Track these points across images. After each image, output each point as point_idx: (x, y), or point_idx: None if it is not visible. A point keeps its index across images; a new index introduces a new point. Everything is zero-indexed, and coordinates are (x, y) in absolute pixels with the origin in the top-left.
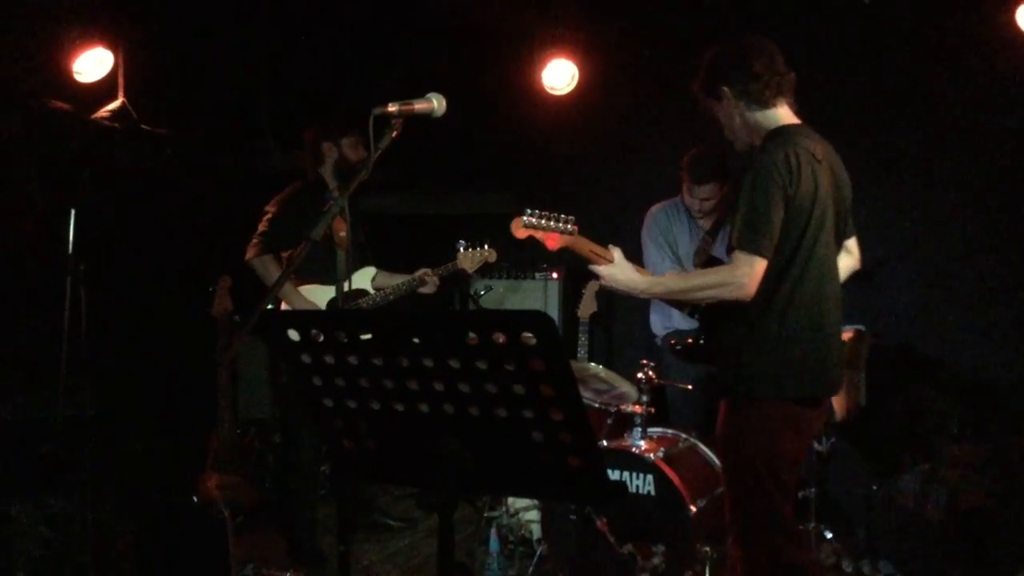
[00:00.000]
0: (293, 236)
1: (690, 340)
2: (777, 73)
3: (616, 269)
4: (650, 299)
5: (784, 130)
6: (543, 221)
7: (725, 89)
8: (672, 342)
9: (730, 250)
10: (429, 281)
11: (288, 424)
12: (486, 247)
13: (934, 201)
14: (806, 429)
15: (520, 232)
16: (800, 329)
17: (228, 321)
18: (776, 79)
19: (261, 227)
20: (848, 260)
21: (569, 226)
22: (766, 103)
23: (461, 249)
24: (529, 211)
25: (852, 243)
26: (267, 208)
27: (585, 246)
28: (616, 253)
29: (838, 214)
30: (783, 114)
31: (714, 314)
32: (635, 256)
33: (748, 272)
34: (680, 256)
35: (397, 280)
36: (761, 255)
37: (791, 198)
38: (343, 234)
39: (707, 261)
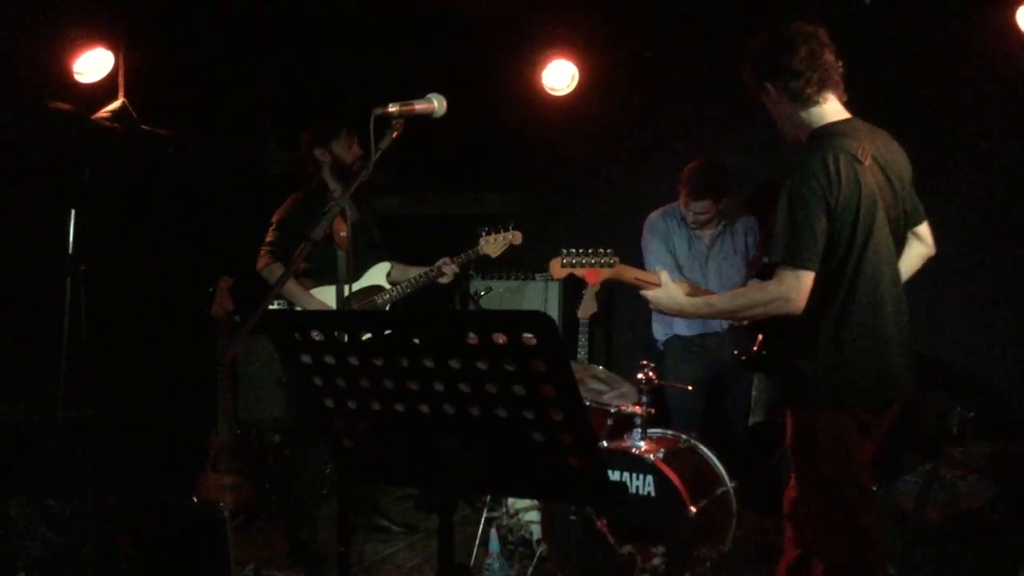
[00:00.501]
0: (300, 243)
1: (755, 349)
2: (820, 67)
3: (663, 293)
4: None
5: (825, 131)
6: (581, 259)
7: (768, 86)
8: (736, 352)
9: (772, 266)
10: (448, 271)
11: (296, 424)
12: (511, 229)
13: (931, 199)
14: (875, 433)
15: (559, 272)
16: (857, 338)
17: (228, 322)
18: (818, 74)
19: (268, 237)
20: (920, 248)
21: (609, 259)
22: (808, 100)
23: (483, 235)
24: (565, 251)
25: (923, 229)
26: (272, 218)
27: (629, 274)
28: (663, 276)
29: (894, 208)
30: (828, 110)
31: (773, 325)
32: (636, 257)
33: (795, 286)
34: (680, 263)
35: (413, 272)
36: (807, 268)
37: (832, 206)
38: (343, 234)
39: (761, 271)
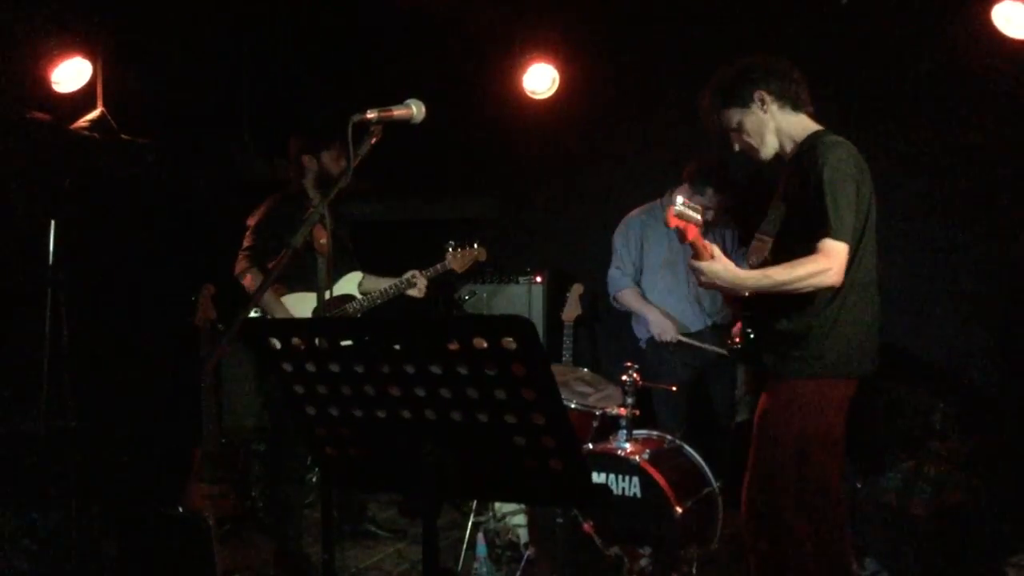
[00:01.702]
0: (278, 247)
1: (739, 340)
2: (804, 82)
3: (719, 265)
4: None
5: (828, 134)
6: (692, 213)
7: (762, 93)
8: (730, 342)
9: (815, 238)
10: (418, 283)
11: (275, 431)
12: (476, 246)
13: (914, 198)
14: (847, 407)
15: (673, 221)
16: (859, 312)
17: (211, 330)
18: (805, 87)
19: (246, 242)
20: None
21: (702, 218)
22: (801, 104)
23: (450, 249)
24: (682, 200)
25: None
26: (249, 222)
27: (700, 239)
28: (715, 249)
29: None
30: (811, 121)
31: (765, 306)
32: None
33: (840, 258)
34: (650, 263)
35: (384, 283)
36: (847, 242)
37: (859, 192)
38: (323, 241)
39: (763, 261)
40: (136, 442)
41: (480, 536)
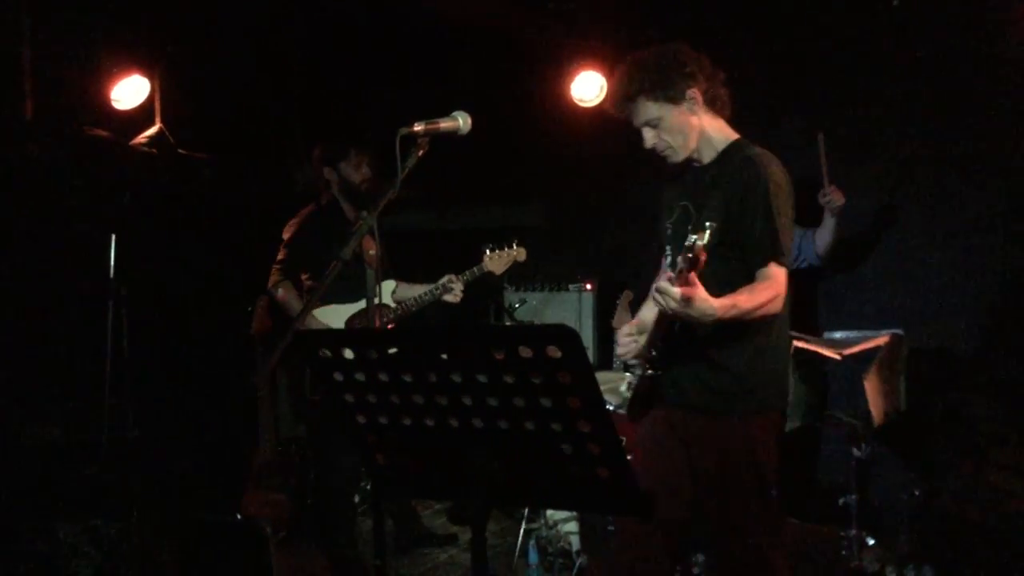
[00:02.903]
0: (310, 260)
1: (649, 379)
2: (726, 84)
3: (699, 294)
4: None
5: (751, 144)
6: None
7: (696, 92)
8: (637, 383)
9: (756, 262)
10: (454, 287)
11: (321, 440)
12: (514, 246)
13: (974, 201)
14: None
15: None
16: (782, 341)
17: (267, 339)
18: (727, 90)
19: (280, 255)
20: None
21: None
22: (724, 108)
23: (487, 251)
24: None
25: None
26: (284, 234)
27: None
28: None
29: None
30: (730, 128)
31: (697, 338)
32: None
33: (784, 285)
34: None
35: (418, 290)
36: (788, 267)
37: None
38: (372, 252)
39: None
40: (194, 451)
41: (532, 543)
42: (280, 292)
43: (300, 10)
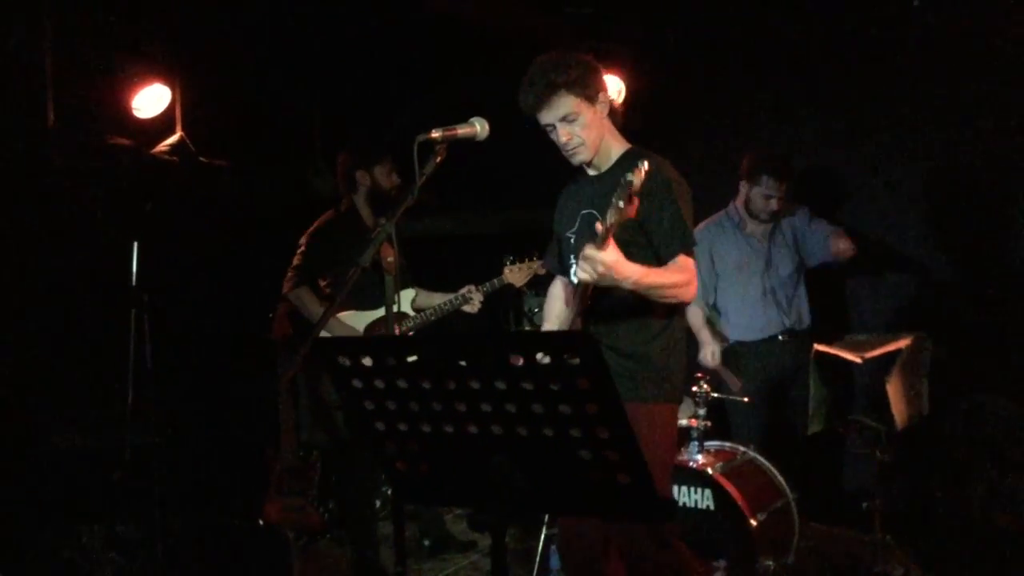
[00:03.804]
0: (327, 265)
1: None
2: None
3: (613, 255)
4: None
5: (642, 149)
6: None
7: (605, 96)
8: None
9: (666, 253)
10: (473, 298)
11: (343, 446)
12: (534, 259)
13: (997, 202)
14: None
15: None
16: (682, 334)
17: (287, 345)
18: None
19: (296, 260)
20: None
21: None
22: (616, 123)
23: (507, 264)
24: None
25: None
26: (300, 241)
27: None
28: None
29: None
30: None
31: (611, 321)
32: None
33: (694, 274)
34: (723, 270)
35: (438, 299)
36: (694, 257)
37: None
38: (391, 259)
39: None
40: (216, 457)
41: (553, 548)
42: (296, 295)
43: (319, 18)
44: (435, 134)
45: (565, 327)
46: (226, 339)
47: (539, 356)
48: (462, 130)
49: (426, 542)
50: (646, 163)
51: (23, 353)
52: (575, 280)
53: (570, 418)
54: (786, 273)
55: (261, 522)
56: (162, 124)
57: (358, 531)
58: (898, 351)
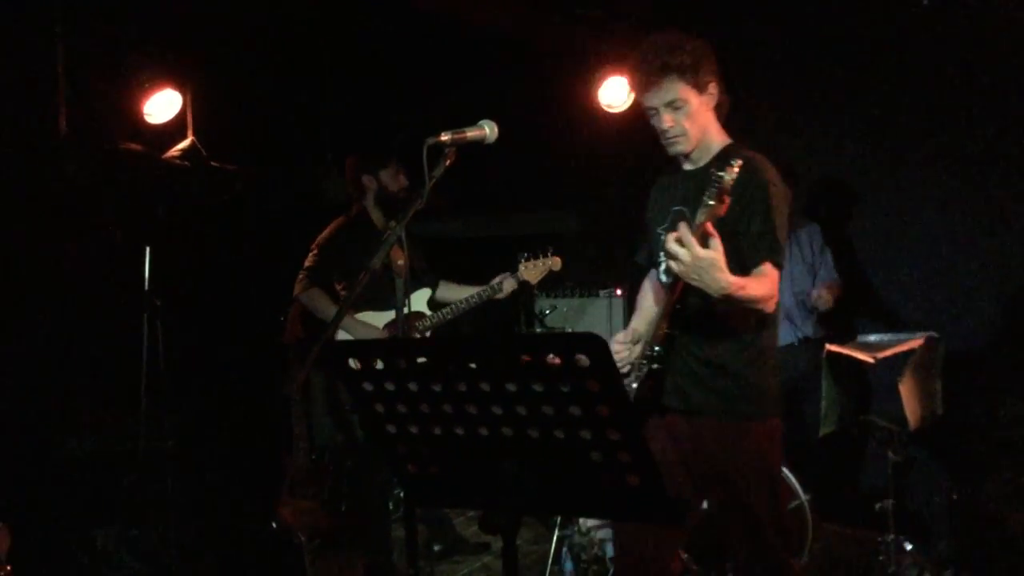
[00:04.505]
0: (338, 268)
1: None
2: None
3: (712, 256)
4: None
5: (742, 146)
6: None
7: (715, 87)
8: (648, 361)
9: (752, 260)
10: (504, 286)
11: (354, 449)
12: (549, 255)
13: (1007, 202)
14: None
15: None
16: (773, 344)
17: (299, 348)
18: None
19: (307, 263)
20: None
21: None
22: (722, 117)
23: (522, 261)
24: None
25: None
26: (312, 245)
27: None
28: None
29: None
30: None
31: (700, 331)
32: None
33: (777, 286)
34: None
35: (467, 292)
36: (781, 267)
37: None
38: (401, 262)
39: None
40: (229, 460)
41: (565, 550)
42: (309, 296)
43: (329, 22)
44: (444, 137)
45: (651, 326)
46: (238, 343)
47: (550, 358)
48: (471, 133)
49: (436, 547)
50: (740, 161)
51: (37, 358)
52: (664, 279)
53: (581, 420)
54: (800, 291)
55: (274, 525)
56: (173, 129)
57: (372, 533)
58: (911, 351)
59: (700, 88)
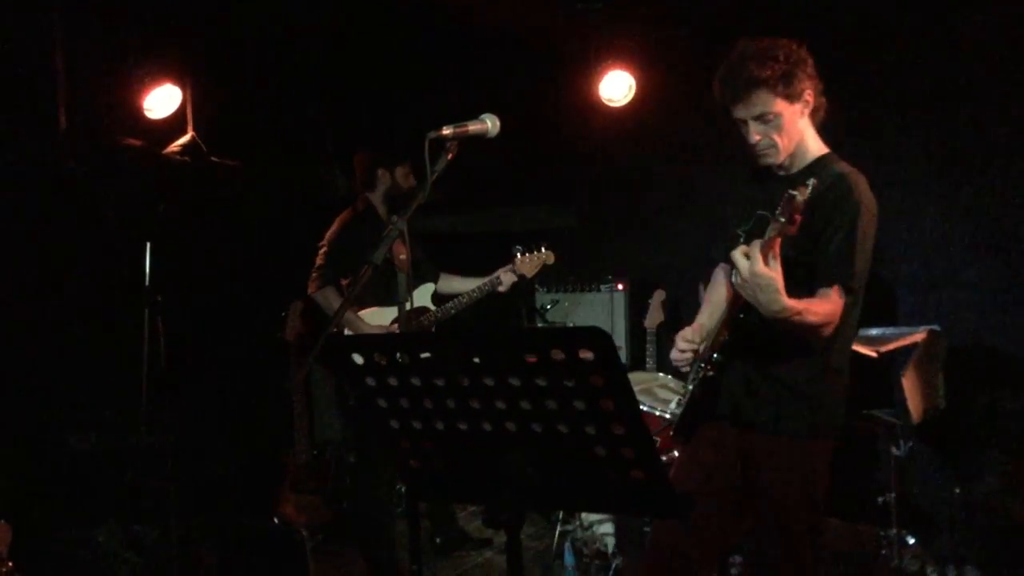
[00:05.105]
0: (350, 264)
1: (707, 383)
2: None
3: (772, 276)
4: None
5: (839, 159)
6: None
7: (810, 94)
8: (706, 365)
9: (823, 280)
10: (504, 280)
11: (361, 445)
12: (543, 249)
13: (1007, 196)
14: None
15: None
16: (843, 365)
17: (301, 344)
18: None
19: (319, 261)
20: None
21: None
22: (817, 121)
23: (518, 255)
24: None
25: None
26: (321, 243)
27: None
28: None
29: None
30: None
31: (764, 346)
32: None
33: (839, 314)
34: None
35: (471, 284)
36: (856, 292)
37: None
38: (403, 257)
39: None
40: (231, 456)
41: (568, 545)
42: (323, 295)
43: (329, 16)
44: (446, 131)
45: (713, 323)
46: (239, 339)
47: (553, 352)
48: (473, 127)
49: (437, 540)
50: (814, 180)
51: (38, 355)
52: (735, 280)
53: (585, 414)
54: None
55: (276, 520)
56: (173, 124)
57: (374, 529)
58: (914, 345)
59: (793, 98)
